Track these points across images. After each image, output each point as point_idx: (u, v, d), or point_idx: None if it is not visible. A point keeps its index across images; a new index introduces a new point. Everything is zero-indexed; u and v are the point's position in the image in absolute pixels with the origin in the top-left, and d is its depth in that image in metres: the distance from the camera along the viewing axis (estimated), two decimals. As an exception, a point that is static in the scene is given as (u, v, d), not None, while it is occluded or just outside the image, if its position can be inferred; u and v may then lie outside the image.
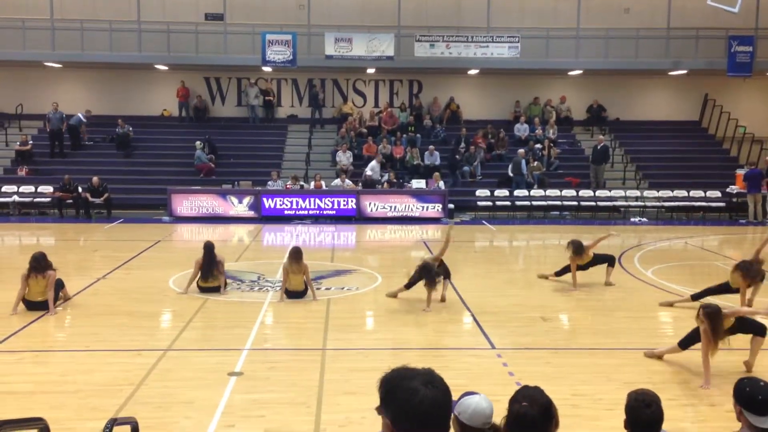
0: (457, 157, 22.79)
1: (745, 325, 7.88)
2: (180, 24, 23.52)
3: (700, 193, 22.07)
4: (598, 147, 22.66)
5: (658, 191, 22.29)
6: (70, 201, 20.54)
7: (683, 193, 22.12)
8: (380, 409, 2.20)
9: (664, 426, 4.49)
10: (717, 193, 22.13)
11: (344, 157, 22.79)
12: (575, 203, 21.92)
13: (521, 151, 22.70)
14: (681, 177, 22.97)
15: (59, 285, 10.40)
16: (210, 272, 11.18)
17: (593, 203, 22.00)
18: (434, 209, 20.57)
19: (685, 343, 7.97)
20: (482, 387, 3.54)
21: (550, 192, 21.97)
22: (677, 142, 25.32)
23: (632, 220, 21.29)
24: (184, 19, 23.70)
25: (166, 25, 23.32)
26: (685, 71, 24.53)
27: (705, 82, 25.64)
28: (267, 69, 23.81)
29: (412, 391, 2.10)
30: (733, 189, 22.20)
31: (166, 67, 24.52)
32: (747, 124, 25.09)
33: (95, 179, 20.48)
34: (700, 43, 23.93)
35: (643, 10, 24.67)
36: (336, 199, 20.51)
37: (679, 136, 25.76)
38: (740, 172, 22.41)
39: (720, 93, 25.68)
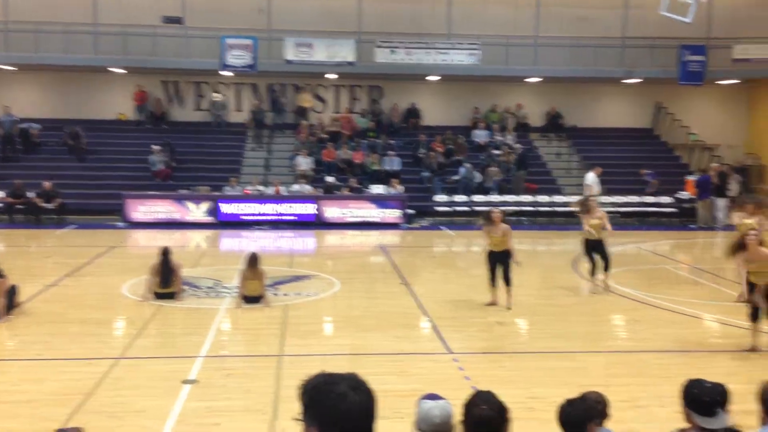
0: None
1: None
2: (137, 27, 23.13)
3: (652, 199, 22.53)
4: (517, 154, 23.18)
5: (612, 197, 22.68)
6: (21, 206, 20.05)
7: (636, 198, 22.56)
8: (303, 418, 2.06)
9: (616, 427, 4.58)
10: (668, 199, 22.62)
11: (304, 162, 22.69)
12: (533, 208, 22.19)
13: (469, 165, 22.78)
14: (634, 183, 23.40)
15: (12, 292, 10.16)
16: (168, 278, 11.03)
17: (550, 209, 22.31)
18: (393, 214, 20.62)
19: None
20: (438, 392, 3.56)
21: (508, 197, 22.20)
22: (631, 149, 25.79)
23: (588, 225, 21.56)
24: (142, 22, 23.31)
25: (123, 28, 22.93)
26: (639, 79, 25.05)
27: (658, 90, 26.21)
28: (226, 73, 23.60)
29: (340, 397, 2.00)
30: (684, 195, 22.74)
31: (122, 70, 24.11)
32: (698, 132, 25.74)
33: (47, 184, 20.03)
34: (654, 53, 24.48)
35: (599, 19, 25.09)
36: (295, 205, 20.41)
37: (633, 143, 26.26)
38: (691, 178, 22.98)
39: (672, 101, 26.29)
